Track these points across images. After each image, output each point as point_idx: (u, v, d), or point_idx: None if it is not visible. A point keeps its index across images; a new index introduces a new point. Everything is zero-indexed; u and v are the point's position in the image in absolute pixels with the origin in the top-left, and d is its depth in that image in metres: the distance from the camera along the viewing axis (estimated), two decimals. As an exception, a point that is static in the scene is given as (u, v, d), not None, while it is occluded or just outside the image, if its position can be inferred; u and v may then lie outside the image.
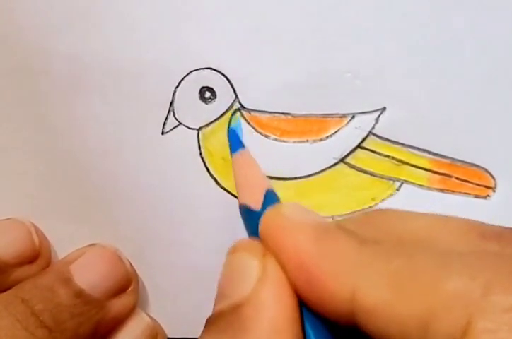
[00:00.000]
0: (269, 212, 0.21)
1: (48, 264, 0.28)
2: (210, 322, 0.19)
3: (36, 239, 0.28)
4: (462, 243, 0.18)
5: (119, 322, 0.28)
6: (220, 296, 0.20)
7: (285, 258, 0.19)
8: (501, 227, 0.19)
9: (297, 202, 0.21)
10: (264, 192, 0.22)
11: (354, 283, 0.17)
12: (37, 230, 0.28)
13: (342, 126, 0.27)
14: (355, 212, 0.27)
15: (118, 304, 0.27)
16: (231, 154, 0.25)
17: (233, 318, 0.19)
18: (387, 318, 0.16)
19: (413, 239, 0.18)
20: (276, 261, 0.19)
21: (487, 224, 0.19)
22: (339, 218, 0.28)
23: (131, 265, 0.28)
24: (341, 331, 0.19)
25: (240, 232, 0.28)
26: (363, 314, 0.17)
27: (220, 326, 0.19)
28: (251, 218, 0.21)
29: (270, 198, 0.22)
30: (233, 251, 0.21)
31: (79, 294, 0.26)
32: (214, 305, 0.20)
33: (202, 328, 0.29)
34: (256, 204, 0.21)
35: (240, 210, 0.22)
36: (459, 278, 0.16)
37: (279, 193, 0.27)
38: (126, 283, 0.28)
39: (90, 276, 0.27)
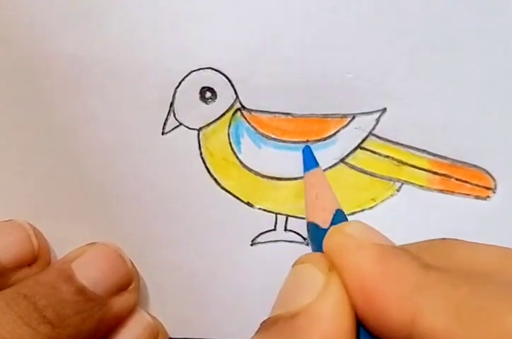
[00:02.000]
0: (334, 230, 0.21)
1: (47, 266, 0.28)
2: (265, 326, 0.20)
3: (35, 242, 0.28)
4: None
5: (120, 320, 0.28)
6: (279, 302, 0.21)
7: (347, 276, 0.19)
8: None
9: (362, 221, 0.21)
10: (333, 212, 0.22)
11: (415, 307, 0.17)
12: (36, 232, 0.28)
13: (342, 127, 0.27)
14: (355, 212, 0.27)
15: (120, 302, 0.27)
16: (304, 172, 0.25)
17: (287, 325, 0.19)
18: None
19: (478, 269, 0.18)
20: (339, 278, 0.19)
21: None
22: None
23: (132, 263, 0.28)
24: None
25: (240, 232, 0.28)
26: None
27: (274, 331, 0.19)
28: (318, 235, 0.22)
29: (339, 217, 0.22)
30: (301, 261, 0.21)
31: (81, 291, 0.26)
32: (272, 310, 0.20)
33: (202, 328, 0.29)
34: (324, 223, 0.22)
35: (308, 227, 0.23)
36: None
37: (280, 193, 0.28)
38: (128, 281, 0.28)
39: (91, 273, 0.27)
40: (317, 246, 0.22)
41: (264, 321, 0.20)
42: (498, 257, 0.19)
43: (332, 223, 0.22)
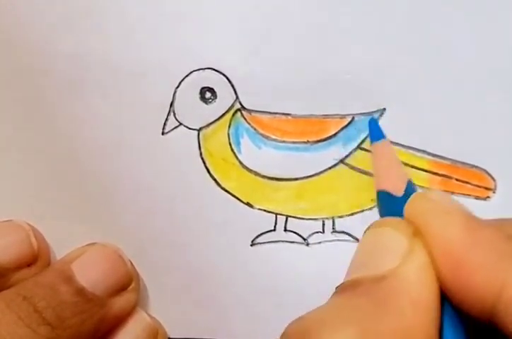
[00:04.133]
0: (418, 195, 0.21)
1: (47, 267, 0.28)
2: (346, 288, 0.19)
3: (34, 243, 0.28)
4: None
5: (120, 320, 0.28)
6: (359, 265, 0.20)
7: (433, 242, 0.19)
8: None
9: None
10: (406, 180, 0.22)
11: (502, 277, 0.17)
12: (36, 233, 0.28)
13: (342, 127, 0.27)
14: (355, 213, 0.28)
15: (119, 302, 0.27)
16: (372, 143, 0.25)
17: (374, 288, 0.19)
18: None
19: None
20: (423, 244, 0.19)
21: None
22: (340, 219, 0.28)
23: (131, 263, 0.28)
24: (475, 330, 0.19)
25: (240, 232, 0.28)
26: (507, 312, 0.17)
27: (358, 293, 0.19)
28: (391, 204, 0.22)
29: (411, 187, 0.22)
30: (379, 225, 0.21)
31: (81, 291, 0.26)
32: (350, 272, 0.20)
33: (202, 328, 0.29)
34: (398, 190, 0.22)
35: (378, 196, 0.23)
36: None
37: (279, 194, 0.28)
38: (127, 281, 0.28)
39: (91, 274, 0.27)
40: (390, 214, 0.21)
41: (341, 284, 0.19)
42: None
43: (406, 191, 0.22)
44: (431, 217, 0.19)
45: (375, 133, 0.25)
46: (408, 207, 0.20)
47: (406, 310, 0.18)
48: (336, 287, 0.20)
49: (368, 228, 0.21)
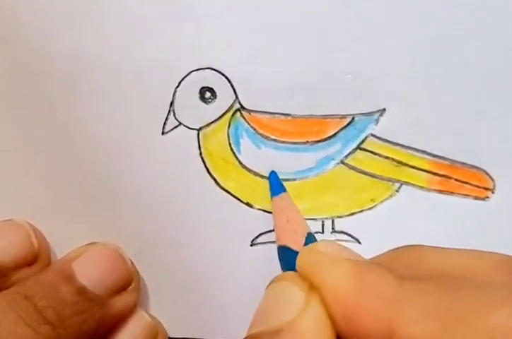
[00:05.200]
0: (306, 249, 0.21)
1: (47, 266, 0.28)
2: None
3: (35, 242, 0.28)
4: (498, 276, 0.18)
5: (120, 320, 0.28)
6: (260, 319, 0.21)
7: (324, 292, 0.19)
8: None
9: (332, 240, 0.21)
10: (305, 235, 0.23)
11: (393, 318, 0.18)
12: (36, 232, 0.28)
13: (342, 127, 0.27)
14: (354, 213, 0.28)
15: (120, 302, 0.27)
16: (272, 197, 0.25)
17: None
18: None
19: (449, 273, 0.19)
20: (318, 296, 0.19)
21: None
22: (339, 220, 0.28)
23: (132, 263, 0.28)
24: None
25: (240, 232, 0.28)
26: None
27: None
28: (291, 258, 0.22)
29: (310, 240, 0.23)
30: (280, 279, 0.21)
31: (81, 291, 0.26)
32: (251, 326, 0.21)
33: (202, 328, 0.29)
34: (297, 245, 0.23)
35: (279, 251, 0.23)
36: (501, 312, 0.16)
37: (279, 194, 0.28)
38: (128, 281, 0.28)
39: (92, 273, 0.27)
40: (291, 269, 0.22)
41: (247, 337, 0.20)
42: (468, 259, 0.19)
43: (305, 245, 0.22)
44: (319, 269, 0.20)
45: (276, 187, 0.25)
46: (299, 262, 0.21)
47: None
48: None
49: (270, 283, 0.22)
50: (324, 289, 0.19)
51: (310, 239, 0.23)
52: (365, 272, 0.19)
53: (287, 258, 0.23)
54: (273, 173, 0.27)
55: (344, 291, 0.19)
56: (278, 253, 0.23)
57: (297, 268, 0.21)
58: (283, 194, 0.24)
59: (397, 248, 0.21)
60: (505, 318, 0.16)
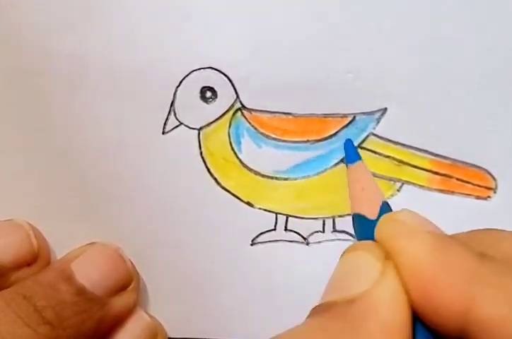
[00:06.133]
0: (386, 218, 0.21)
1: (47, 266, 0.28)
2: (320, 310, 0.20)
3: (34, 242, 0.28)
4: None
5: (120, 320, 0.28)
6: (334, 288, 0.20)
7: (402, 264, 0.19)
8: None
9: (410, 210, 0.21)
10: (380, 203, 0.22)
11: (471, 296, 0.17)
12: (36, 232, 0.28)
13: (343, 127, 0.27)
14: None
15: (119, 302, 0.27)
16: (347, 165, 0.25)
17: (346, 310, 0.19)
18: (503, 333, 0.17)
19: None
20: (395, 266, 0.19)
21: None
22: (340, 219, 0.28)
23: (131, 263, 0.28)
24: None
25: (240, 231, 0.28)
26: (477, 328, 0.17)
27: (332, 315, 0.19)
28: (366, 227, 0.22)
29: (385, 209, 0.22)
30: (354, 249, 0.21)
31: (81, 291, 0.26)
32: (325, 295, 0.20)
33: (201, 327, 0.29)
34: (372, 214, 0.22)
35: (354, 219, 0.23)
36: None
37: (280, 193, 0.28)
38: (127, 281, 0.28)
39: (91, 274, 0.27)
40: (365, 237, 0.21)
41: (316, 307, 0.20)
42: None
43: (380, 214, 0.22)
44: (398, 240, 0.19)
45: (351, 155, 0.25)
46: (378, 231, 0.21)
47: (375, 333, 0.18)
48: (312, 309, 0.20)
49: (344, 252, 0.21)
50: (402, 261, 0.19)
51: (385, 207, 0.23)
52: (445, 246, 0.19)
53: (361, 226, 0.22)
54: (348, 141, 0.26)
55: (422, 264, 0.18)
56: (353, 222, 0.23)
57: (376, 236, 0.21)
58: (358, 162, 0.24)
59: (475, 230, 0.21)
60: None
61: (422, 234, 0.19)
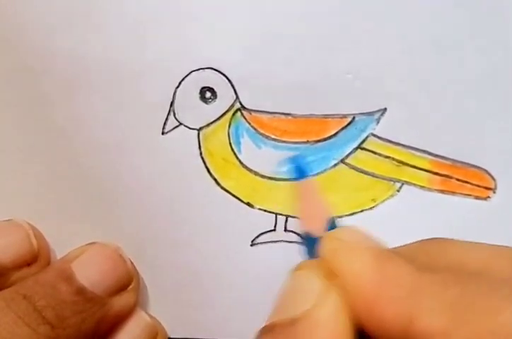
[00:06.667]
0: (328, 236, 0.21)
1: (47, 266, 0.28)
2: (265, 332, 0.20)
3: (34, 242, 0.28)
4: None
5: (120, 320, 0.28)
6: (277, 309, 0.20)
7: (344, 281, 0.19)
8: None
9: (354, 226, 0.21)
10: (327, 220, 0.23)
11: (411, 309, 0.17)
12: (36, 232, 0.28)
13: (343, 127, 0.27)
14: (355, 213, 0.28)
15: (119, 302, 0.27)
16: (294, 182, 0.25)
17: (286, 332, 0.19)
18: None
19: (469, 267, 0.19)
20: (339, 284, 0.19)
21: None
22: (340, 219, 0.28)
23: (132, 263, 0.28)
24: None
25: (240, 232, 0.28)
26: None
27: (274, 336, 0.19)
28: (313, 245, 0.22)
29: (332, 226, 0.22)
30: (299, 268, 0.21)
31: (81, 291, 0.26)
32: (270, 317, 0.20)
33: (201, 328, 0.29)
34: (318, 231, 0.22)
35: (302, 236, 0.23)
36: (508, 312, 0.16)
37: (279, 193, 0.28)
38: (127, 281, 0.28)
39: (91, 274, 0.27)
40: (313, 255, 0.22)
41: (262, 328, 0.20)
42: (487, 255, 0.19)
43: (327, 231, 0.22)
44: (339, 257, 0.20)
45: (299, 172, 0.25)
46: (321, 249, 0.21)
47: None
48: (259, 330, 0.20)
49: (290, 271, 0.21)
50: (344, 278, 0.19)
51: (332, 224, 0.23)
52: (385, 261, 0.19)
53: (310, 244, 0.23)
54: (295, 157, 0.26)
55: (363, 281, 0.19)
56: (302, 240, 0.23)
57: (320, 254, 0.21)
58: (306, 179, 0.24)
59: (422, 240, 0.21)
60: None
61: (362, 251, 0.19)
